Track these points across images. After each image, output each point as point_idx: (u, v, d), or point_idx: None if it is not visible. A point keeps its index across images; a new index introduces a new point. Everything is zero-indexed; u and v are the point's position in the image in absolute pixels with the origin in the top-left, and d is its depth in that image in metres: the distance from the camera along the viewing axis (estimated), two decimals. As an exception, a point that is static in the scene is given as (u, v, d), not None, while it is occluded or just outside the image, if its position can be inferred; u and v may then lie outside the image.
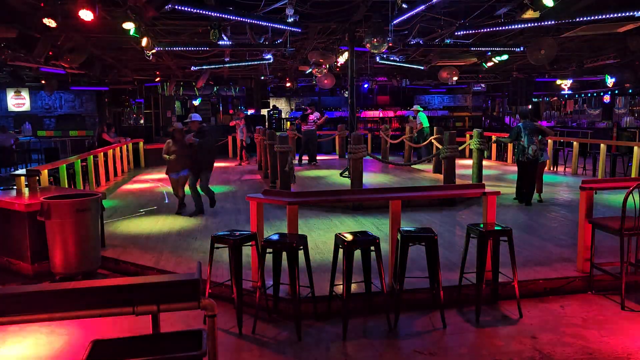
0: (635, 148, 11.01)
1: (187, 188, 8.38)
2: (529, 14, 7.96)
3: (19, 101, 20.94)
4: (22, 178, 6.83)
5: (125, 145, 14.67)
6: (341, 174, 11.26)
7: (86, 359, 2.33)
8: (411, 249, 4.39)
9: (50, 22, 7.51)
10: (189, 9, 7.75)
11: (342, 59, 13.02)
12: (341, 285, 4.18)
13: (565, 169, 13.58)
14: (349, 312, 4.18)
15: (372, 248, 4.31)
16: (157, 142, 17.60)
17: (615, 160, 12.20)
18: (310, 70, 14.32)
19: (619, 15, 8.23)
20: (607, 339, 4.02)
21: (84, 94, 21.53)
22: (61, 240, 5.38)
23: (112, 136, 14.13)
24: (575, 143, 13.28)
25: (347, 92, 11.43)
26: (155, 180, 12.66)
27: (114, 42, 11.26)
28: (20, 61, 11.76)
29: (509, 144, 14.69)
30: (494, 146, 16.06)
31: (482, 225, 4.70)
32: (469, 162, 11.07)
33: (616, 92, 20.63)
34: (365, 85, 22.00)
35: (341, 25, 10.41)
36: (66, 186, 9.26)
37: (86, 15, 6.83)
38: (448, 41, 10.83)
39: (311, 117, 14.52)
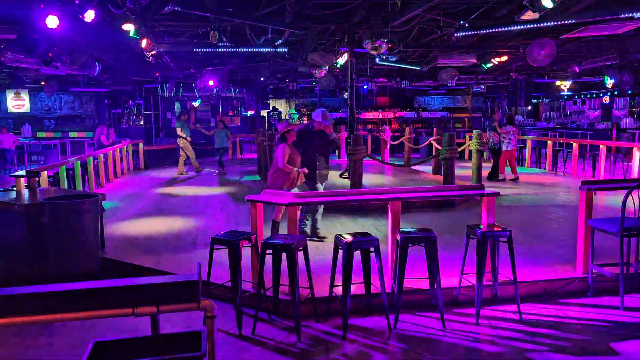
0: (635, 149, 11.01)
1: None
2: (528, 15, 7.96)
3: (18, 102, 20.90)
4: (22, 179, 6.83)
5: (125, 147, 14.67)
6: (341, 175, 11.27)
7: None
8: (411, 249, 4.39)
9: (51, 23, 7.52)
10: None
11: (342, 60, 13.03)
12: (341, 286, 4.18)
13: (564, 169, 13.58)
14: (349, 313, 4.18)
15: (372, 249, 4.31)
16: (157, 144, 17.62)
17: (615, 161, 12.21)
18: (310, 71, 14.32)
19: (619, 16, 8.24)
20: (607, 340, 4.03)
21: (84, 95, 21.49)
22: (61, 242, 5.38)
23: (110, 137, 14.11)
24: (574, 144, 13.29)
25: (346, 93, 11.43)
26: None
27: (114, 43, 11.26)
28: (20, 63, 11.76)
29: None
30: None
31: (481, 226, 4.70)
32: (469, 163, 11.07)
33: (615, 93, 20.65)
34: (365, 87, 22.00)
35: (340, 27, 10.41)
36: (66, 187, 9.26)
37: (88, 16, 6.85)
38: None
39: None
